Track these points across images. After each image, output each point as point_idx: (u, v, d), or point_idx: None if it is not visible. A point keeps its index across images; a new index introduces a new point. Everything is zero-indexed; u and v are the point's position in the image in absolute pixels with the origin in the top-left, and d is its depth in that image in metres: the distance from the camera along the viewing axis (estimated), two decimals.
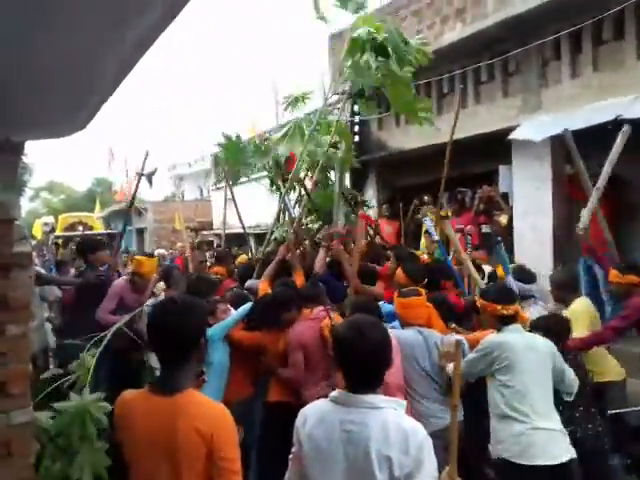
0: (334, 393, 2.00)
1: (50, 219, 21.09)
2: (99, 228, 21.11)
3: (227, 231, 15.96)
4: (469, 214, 8.08)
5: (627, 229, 6.17)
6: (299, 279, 4.82)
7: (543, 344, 3.23)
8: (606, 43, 6.42)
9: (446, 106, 8.47)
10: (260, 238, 14.70)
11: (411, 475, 1.80)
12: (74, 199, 42.37)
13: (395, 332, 3.68)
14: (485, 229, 7.78)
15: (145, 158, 6.19)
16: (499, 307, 3.24)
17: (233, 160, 6.49)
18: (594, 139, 5.01)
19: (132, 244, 22.72)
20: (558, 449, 2.94)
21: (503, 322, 3.27)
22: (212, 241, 18.74)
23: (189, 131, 77.82)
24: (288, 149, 5.80)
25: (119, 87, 1.80)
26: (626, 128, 4.30)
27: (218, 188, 18.97)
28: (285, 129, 5.98)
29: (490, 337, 3.32)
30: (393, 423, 1.86)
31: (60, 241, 16.79)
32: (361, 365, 1.93)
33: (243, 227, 8.08)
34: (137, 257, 5.53)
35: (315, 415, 1.99)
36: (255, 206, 15.65)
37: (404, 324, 3.76)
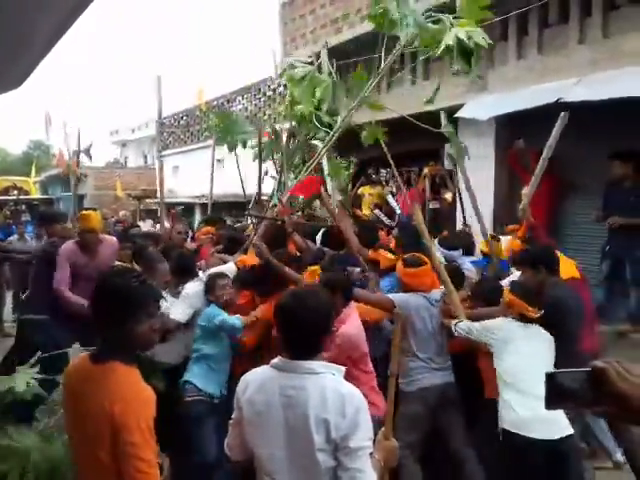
0: (275, 360, 2.04)
1: None
2: (35, 193, 20.28)
3: (171, 200, 15.52)
4: (414, 191, 8.22)
5: (563, 206, 6.46)
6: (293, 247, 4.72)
7: (544, 332, 3.39)
8: (551, 26, 6.58)
9: (396, 82, 8.49)
10: (205, 208, 14.47)
11: (347, 437, 1.85)
12: (8, 162, 40.43)
13: (398, 297, 3.85)
14: (432, 205, 7.97)
15: (79, 135, 5.93)
16: (530, 309, 3.33)
17: (225, 131, 5.90)
18: (538, 119, 5.18)
19: (71, 211, 21.94)
20: (549, 426, 3.04)
21: (523, 320, 3.37)
22: (156, 210, 18.33)
23: (133, 96, 75.07)
24: (306, 101, 4.96)
25: (55, 45, 1.72)
26: (563, 115, 4.45)
27: (163, 156, 18.48)
28: (303, 71, 5.07)
29: (500, 321, 3.48)
30: (331, 388, 1.91)
31: None
32: (301, 332, 1.97)
33: (244, 192, 6.73)
34: (82, 212, 5.04)
35: (256, 381, 2.03)
36: (201, 175, 15.36)
37: (408, 291, 3.88)
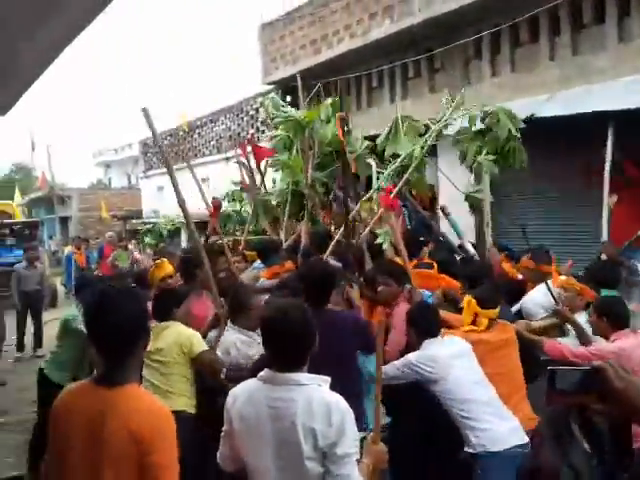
0: (262, 373, 2.09)
1: None
2: (19, 216, 20.09)
3: (156, 220, 15.28)
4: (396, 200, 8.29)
5: None
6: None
7: None
8: (522, 45, 6.79)
9: (375, 100, 8.67)
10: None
11: (334, 445, 1.91)
12: None
13: None
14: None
15: None
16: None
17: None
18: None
19: (56, 233, 21.81)
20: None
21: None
22: (141, 230, 18.26)
23: (115, 118, 75.00)
24: (395, 149, 5.42)
25: (41, 75, 1.80)
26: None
27: (147, 176, 18.48)
28: (386, 130, 5.56)
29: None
30: (317, 398, 1.97)
31: None
32: (285, 345, 2.02)
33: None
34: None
35: (244, 394, 2.08)
36: (187, 195, 15.34)
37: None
